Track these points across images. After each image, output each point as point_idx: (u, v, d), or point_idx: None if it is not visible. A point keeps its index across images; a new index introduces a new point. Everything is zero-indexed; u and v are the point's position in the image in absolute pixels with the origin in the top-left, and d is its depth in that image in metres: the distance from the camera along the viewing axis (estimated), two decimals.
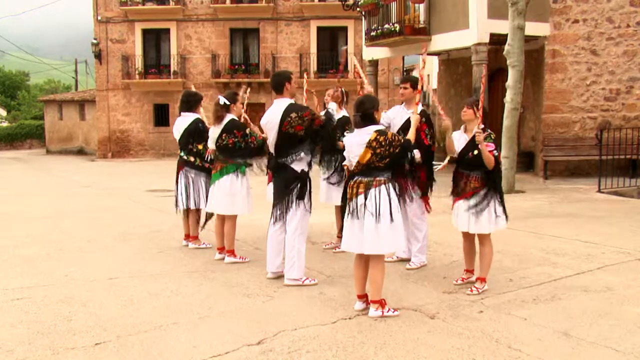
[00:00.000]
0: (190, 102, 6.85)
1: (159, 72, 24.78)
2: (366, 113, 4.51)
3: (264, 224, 6.30)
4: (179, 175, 6.90)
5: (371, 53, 16.90)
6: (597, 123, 13.38)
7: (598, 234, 7.32)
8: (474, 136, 4.98)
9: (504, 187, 10.97)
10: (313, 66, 23.92)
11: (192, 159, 6.79)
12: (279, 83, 5.37)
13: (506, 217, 5.11)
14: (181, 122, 6.82)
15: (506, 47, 11.11)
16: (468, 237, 5.21)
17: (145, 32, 24.85)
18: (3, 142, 36.42)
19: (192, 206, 6.85)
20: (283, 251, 5.41)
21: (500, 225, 5.08)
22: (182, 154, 6.87)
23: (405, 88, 5.79)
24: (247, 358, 3.75)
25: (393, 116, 5.99)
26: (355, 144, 4.51)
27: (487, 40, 12.78)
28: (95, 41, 24.76)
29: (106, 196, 12.14)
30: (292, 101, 5.39)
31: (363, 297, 4.61)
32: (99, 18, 24.81)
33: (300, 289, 5.18)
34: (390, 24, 14.83)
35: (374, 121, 4.54)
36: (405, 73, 24.92)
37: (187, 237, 7.06)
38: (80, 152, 29.00)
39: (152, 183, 14.33)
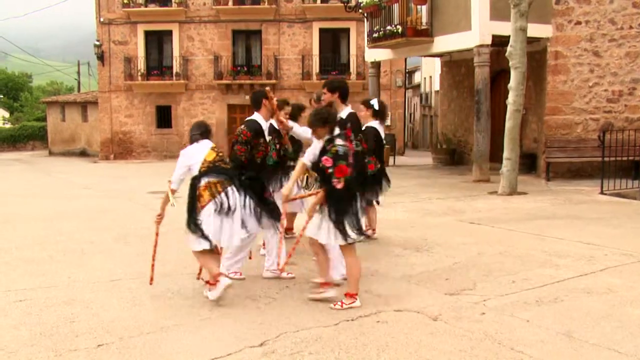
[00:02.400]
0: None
1: (161, 74, 24.81)
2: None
3: None
4: None
5: (373, 54, 16.92)
6: (600, 124, 13.35)
7: (601, 235, 7.31)
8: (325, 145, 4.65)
9: (507, 189, 10.99)
10: (315, 68, 23.95)
11: None
12: (256, 100, 5.62)
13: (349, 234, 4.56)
14: None
15: (508, 48, 11.10)
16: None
17: (147, 34, 24.91)
18: (6, 144, 36.54)
19: None
20: (275, 250, 5.53)
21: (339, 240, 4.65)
22: None
23: (324, 93, 5.64)
24: None
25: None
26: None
27: (489, 41, 12.78)
28: (97, 43, 24.81)
29: (108, 198, 12.15)
30: (261, 117, 5.54)
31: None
32: (102, 20, 24.86)
33: (302, 291, 5.18)
34: (393, 26, 14.86)
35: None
36: (407, 75, 24.87)
37: None
38: (83, 153, 29.05)
39: (154, 185, 14.31)
